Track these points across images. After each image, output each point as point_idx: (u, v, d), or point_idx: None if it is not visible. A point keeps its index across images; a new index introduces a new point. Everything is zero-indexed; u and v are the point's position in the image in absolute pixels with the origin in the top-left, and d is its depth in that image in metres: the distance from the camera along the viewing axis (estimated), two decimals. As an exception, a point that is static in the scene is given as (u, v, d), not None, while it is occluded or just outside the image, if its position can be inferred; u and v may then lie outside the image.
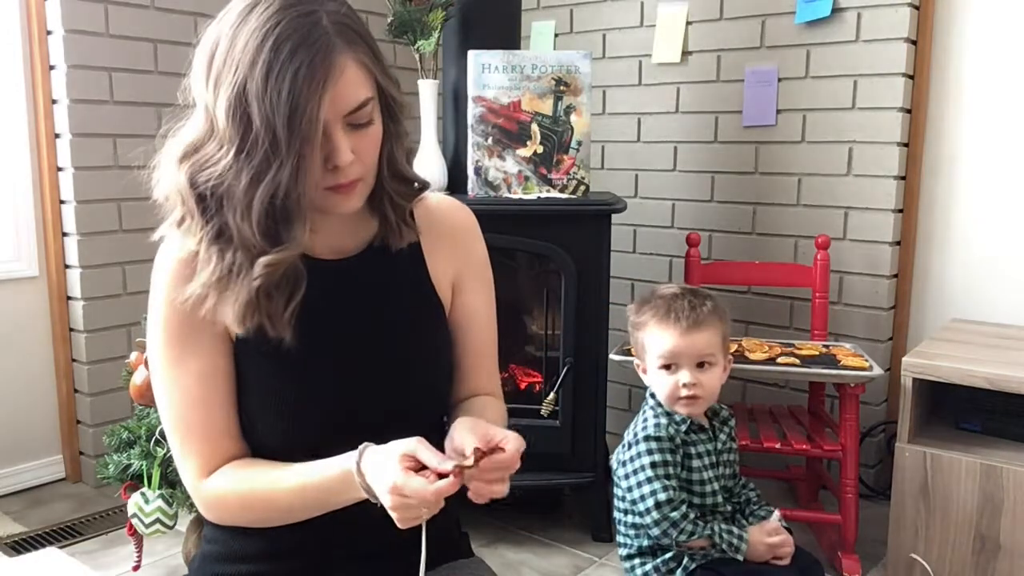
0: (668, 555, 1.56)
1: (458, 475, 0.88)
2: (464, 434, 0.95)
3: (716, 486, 1.60)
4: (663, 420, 1.58)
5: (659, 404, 1.61)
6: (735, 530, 1.54)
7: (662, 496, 1.52)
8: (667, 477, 1.54)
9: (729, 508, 1.63)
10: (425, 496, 0.87)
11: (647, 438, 1.56)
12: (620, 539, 1.64)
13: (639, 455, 1.56)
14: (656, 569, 1.58)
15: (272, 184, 0.91)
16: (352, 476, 0.93)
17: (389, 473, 0.89)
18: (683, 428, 1.58)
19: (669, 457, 1.55)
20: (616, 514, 1.64)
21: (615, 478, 1.63)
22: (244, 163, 0.91)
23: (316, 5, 0.93)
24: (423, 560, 0.98)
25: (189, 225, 0.98)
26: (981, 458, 1.90)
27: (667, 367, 1.57)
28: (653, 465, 1.54)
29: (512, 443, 0.92)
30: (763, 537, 1.55)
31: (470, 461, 0.89)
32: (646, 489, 1.53)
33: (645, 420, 1.61)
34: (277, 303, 0.97)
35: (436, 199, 1.16)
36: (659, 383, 1.59)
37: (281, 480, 0.99)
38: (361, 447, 0.94)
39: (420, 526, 0.96)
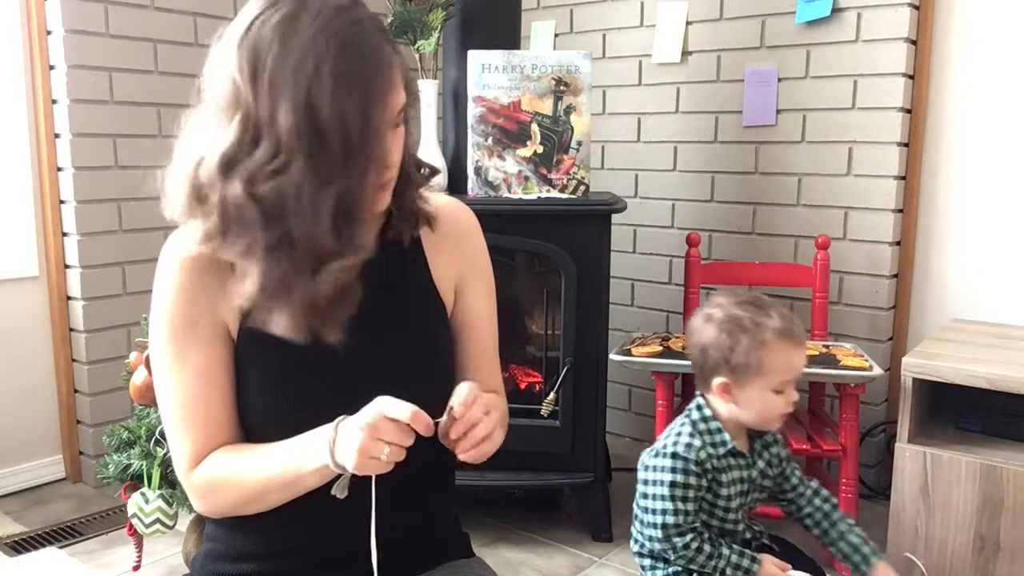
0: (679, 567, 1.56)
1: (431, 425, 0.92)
2: (455, 392, 0.98)
3: (740, 514, 1.55)
4: (697, 442, 1.51)
5: (703, 421, 1.54)
6: (744, 561, 1.48)
7: (670, 519, 1.48)
8: (683, 500, 1.49)
9: (748, 536, 1.59)
10: (401, 413, 0.89)
11: (675, 455, 1.50)
12: (635, 533, 1.62)
13: (662, 469, 1.51)
14: None
15: (342, 189, 0.92)
16: (322, 434, 0.94)
17: (377, 401, 0.92)
18: (720, 452, 1.52)
19: (692, 480, 1.49)
20: (635, 508, 1.60)
21: (639, 479, 1.59)
22: (312, 170, 0.91)
23: (357, 12, 0.95)
24: (373, 552, 0.99)
25: (234, 232, 0.95)
26: (981, 458, 1.90)
27: (780, 389, 1.49)
28: (672, 485, 1.49)
29: (460, 403, 0.95)
30: (775, 570, 1.48)
31: (444, 420, 0.94)
32: (659, 506, 1.50)
33: (679, 435, 1.53)
34: (337, 308, 0.98)
35: (439, 200, 1.17)
36: (765, 404, 1.49)
37: (265, 454, 1.00)
38: (341, 416, 0.95)
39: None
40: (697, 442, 1.51)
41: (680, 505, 1.48)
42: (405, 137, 1.02)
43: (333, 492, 0.94)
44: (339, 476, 0.94)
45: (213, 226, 0.95)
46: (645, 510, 1.52)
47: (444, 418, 0.94)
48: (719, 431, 1.53)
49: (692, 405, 1.58)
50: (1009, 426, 2.01)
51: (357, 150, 0.92)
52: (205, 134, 0.96)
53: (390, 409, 0.90)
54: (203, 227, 0.96)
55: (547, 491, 2.51)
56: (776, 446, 1.61)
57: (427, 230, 1.13)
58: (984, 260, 2.50)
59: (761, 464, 1.57)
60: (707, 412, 1.54)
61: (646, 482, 1.53)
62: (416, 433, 0.91)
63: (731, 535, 1.56)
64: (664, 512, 1.49)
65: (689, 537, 1.48)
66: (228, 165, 0.93)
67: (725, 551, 1.49)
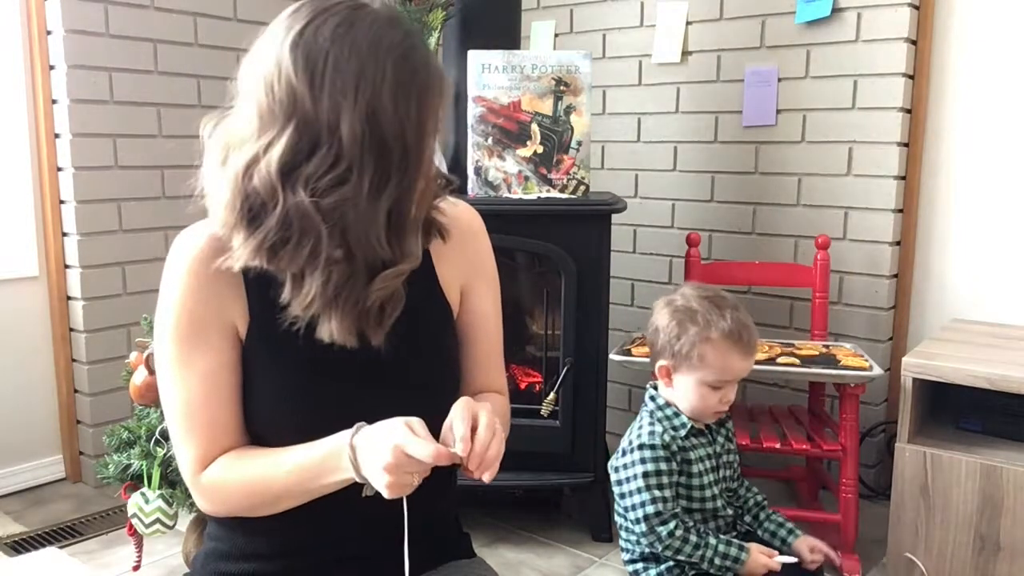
0: (671, 563, 1.56)
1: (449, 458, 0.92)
2: (454, 417, 0.96)
3: (716, 490, 1.58)
4: (658, 427, 1.56)
5: (659, 409, 1.59)
6: (732, 550, 1.50)
7: (650, 509, 1.50)
8: (659, 487, 1.51)
9: (731, 512, 1.61)
10: (424, 455, 0.89)
11: (641, 447, 1.54)
12: (622, 543, 1.64)
13: (632, 464, 1.54)
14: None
15: (395, 198, 0.94)
16: (342, 451, 0.94)
17: (395, 434, 0.90)
18: (681, 433, 1.56)
19: (664, 466, 1.53)
20: (617, 519, 1.63)
21: (612, 483, 1.62)
22: (373, 179, 0.92)
23: (406, 24, 0.97)
24: (406, 559, 0.99)
25: (296, 242, 0.93)
26: (981, 458, 1.90)
27: (717, 386, 1.54)
28: (645, 475, 1.52)
29: (457, 429, 0.94)
30: (763, 559, 1.50)
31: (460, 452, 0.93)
32: (636, 500, 1.52)
33: (640, 428, 1.59)
34: (388, 313, 1.00)
35: (443, 203, 1.16)
36: (697, 396, 1.54)
37: (278, 461, 1.00)
38: (357, 425, 0.95)
39: (416, 526, 0.97)
40: (659, 428, 1.56)
41: (657, 493, 1.51)
42: None
43: (364, 494, 0.95)
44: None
45: (271, 236, 0.93)
46: (626, 509, 1.55)
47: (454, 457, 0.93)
48: (676, 415, 1.58)
49: (646, 396, 1.63)
50: (1009, 426, 2.01)
51: (412, 160, 0.94)
52: (247, 138, 0.94)
53: (412, 448, 0.89)
54: (255, 238, 0.94)
55: (547, 491, 2.51)
56: (729, 421, 1.67)
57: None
58: (984, 260, 2.50)
59: (721, 440, 1.62)
60: (660, 400, 1.60)
61: (619, 482, 1.56)
62: (418, 443, 0.91)
63: (714, 517, 1.58)
64: (643, 504, 1.51)
65: (672, 524, 1.50)
66: (287, 173, 0.92)
67: (712, 540, 1.51)
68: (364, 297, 0.97)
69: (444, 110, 0.99)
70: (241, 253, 0.95)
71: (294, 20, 0.94)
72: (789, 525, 1.62)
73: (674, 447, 1.55)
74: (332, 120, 0.90)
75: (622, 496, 1.55)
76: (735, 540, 1.53)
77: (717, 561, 1.49)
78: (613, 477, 1.58)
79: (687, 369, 1.54)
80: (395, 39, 0.93)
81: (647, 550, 1.57)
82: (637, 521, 1.52)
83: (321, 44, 0.91)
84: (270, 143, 0.92)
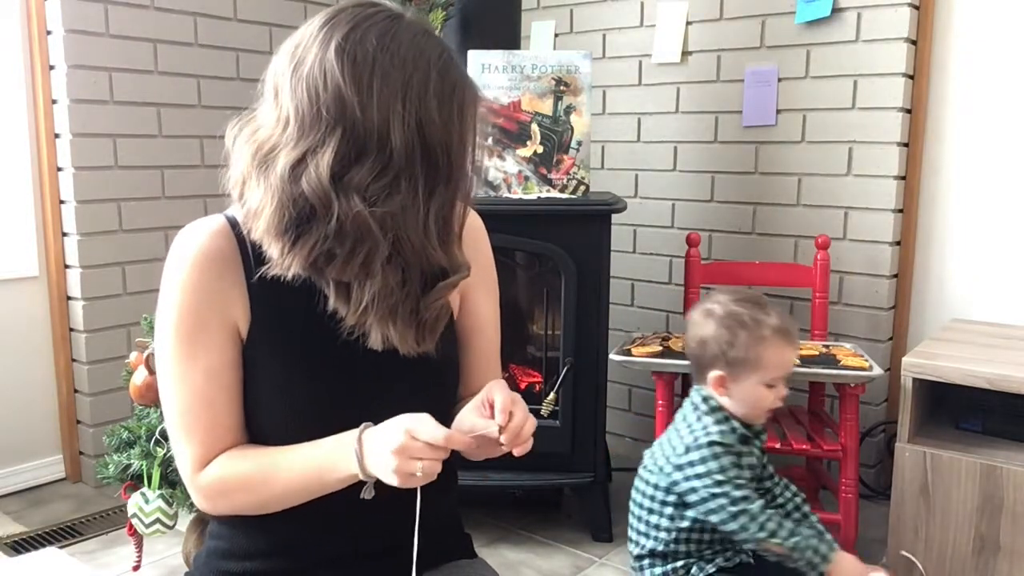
0: (679, 563, 1.56)
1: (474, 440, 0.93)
2: (470, 415, 0.98)
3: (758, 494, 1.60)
4: (725, 427, 1.56)
5: (718, 410, 1.57)
6: (823, 546, 1.48)
7: (737, 493, 1.49)
8: (738, 476, 1.52)
9: None
10: (437, 436, 0.89)
11: (712, 443, 1.53)
12: (633, 537, 1.63)
13: (706, 459, 1.52)
14: (666, 575, 1.57)
15: (441, 204, 0.95)
16: (348, 447, 0.94)
17: (400, 422, 0.91)
18: (739, 436, 1.57)
19: (737, 448, 1.54)
20: (639, 511, 1.61)
21: (666, 478, 1.57)
22: (422, 187, 0.93)
23: (438, 35, 0.98)
24: (415, 556, 0.99)
25: (350, 250, 0.93)
26: (981, 458, 1.90)
27: (772, 384, 1.55)
28: (722, 469, 1.51)
29: (499, 399, 0.96)
30: (856, 568, 1.49)
31: (495, 431, 0.94)
32: (720, 489, 1.50)
33: (705, 426, 1.56)
34: (440, 321, 1.04)
35: None
36: (757, 397, 1.55)
37: (278, 460, 1.00)
38: (364, 424, 0.96)
39: (414, 525, 0.97)
40: (726, 427, 1.56)
41: (739, 480, 1.50)
42: None
43: (362, 495, 0.95)
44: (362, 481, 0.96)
45: (325, 245, 0.93)
46: (710, 509, 1.50)
47: (486, 429, 0.94)
48: (728, 419, 1.57)
49: (696, 399, 1.60)
50: (1009, 426, 2.01)
51: (456, 169, 0.96)
52: (286, 143, 0.93)
53: (421, 431, 0.90)
54: (306, 246, 0.93)
55: (547, 491, 2.51)
56: (764, 433, 1.66)
57: None
58: (984, 260, 2.50)
59: (757, 451, 1.62)
60: (714, 403, 1.58)
61: (689, 477, 1.52)
62: (428, 426, 0.91)
63: None
64: (727, 492, 1.49)
65: (761, 502, 1.49)
66: (337, 180, 0.91)
67: (805, 530, 1.49)
68: (420, 307, 0.99)
69: (480, 121, 1.00)
70: (289, 262, 0.94)
71: (334, 27, 0.93)
72: (828, 538, 1.56)
73: (736, 448, 1.55)
74: (382, 128, 0.91)
75: (693, 490, 1.52)
76: (828, 536, 1.52)
77: (809, 554, 1.47)
78: (679, 475, 1.55)
79: (745, 373, 1.54)
80: (435, 51, 0.95)
81: (659, 548, 1.57)
82: (722, 508, 1.48)
83: (368, 51, 0.91)
84: (316, 148, 0.91)
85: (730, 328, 1.54)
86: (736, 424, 1.57)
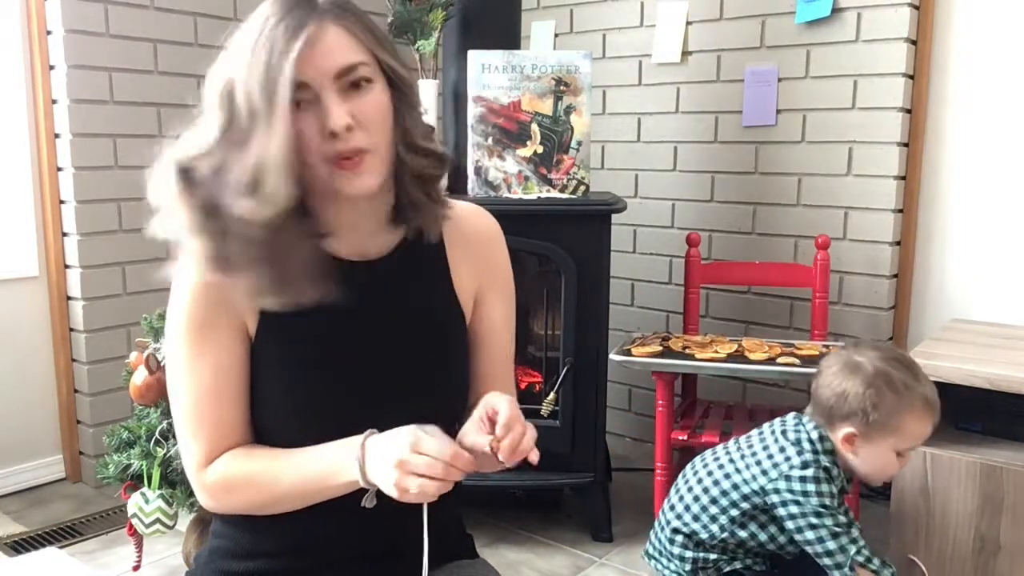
0: (711, 555, 1.59)
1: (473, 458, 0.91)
2: (472, 433, 0.96)
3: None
4: (835, 471, 1.56)
5: (831, 452, 1.56)
6: (886, 572, 1.52)
7: (843, 519, 1.51)
8: (841, 505, 1.54)
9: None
10: (443, 452, 0.88)
11: (817, 479, 1.53)
12: (679, 510, 1.63)
13: (823, 480, 1.53)
14: (696, 561, 1.59)
15: (256, 159, 0.91)
16: (350, 453, 0.94)
17: (405, 434, 0.90)
18: (839, 485, 1.58)
19: (837, 493, 1.55)
20: (703, 496, 1.61)
21: (754, 483, 1.57)
22: (231, 139, 0.93)
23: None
24: (425, 559, 0.98)
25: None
26: (981, 458, 1.90)
27: (903, 452, 1.54)
28: (832, 495, 1.52)
29: (503, 413, 0.93)
30: None
31: (487, 448, 0.92)
32: (825, 511, 1.51)
33: (817, 460, 1.55)
34: (308, 277, 0.96)
35: (461, 207, 1.15)
36: (885, 463, 1.54)
37: (283, 461, 1.00)
38: (368, 431, 0.95)
39: (422, 526, 0.96)
40: (835, 471, 1.55)
41: (841, 500, 1.53)
42: (397, 118, 1.00)
43: (363, 503, 0.94)
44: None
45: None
46: (811, 524, 1.51)
47: (486, 445, 0.93)
48: (837, 465, 1.56)
49: (813, 435, 1.57)
50: (1009, 426, 2.00)
51: (264, 110, 0.91)
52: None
53: (427, 444, 0.89)
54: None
55: (547, 491, 2.51)
56: (849, 490, 1.67)
57: (450, 237, 1.12)
58: (984, 260, 2.50)
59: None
60: (829, 445, 1.56)
61: (797, 502, 1.52)
62: (433, 440, 0.90)
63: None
64: (835, 518, 1.51)
65: (858, 529, 1.53)
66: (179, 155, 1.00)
67: (888, 572, 1.51)
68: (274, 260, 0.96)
69: (304, 54, 0.94)
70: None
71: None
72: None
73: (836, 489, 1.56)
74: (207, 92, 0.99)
75: (804, 514, 1.52)
76: (890, 565, 1.54)
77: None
78: (777, 499, 1.54)
79: (880, 437, 1.52)
80: (273, 8, 1.01)
81: (704, 535, 1.59)
82: (831, 535, 1.50)
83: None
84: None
85: (879, 390, 1.50)
86: (838, 472, 1.56)
